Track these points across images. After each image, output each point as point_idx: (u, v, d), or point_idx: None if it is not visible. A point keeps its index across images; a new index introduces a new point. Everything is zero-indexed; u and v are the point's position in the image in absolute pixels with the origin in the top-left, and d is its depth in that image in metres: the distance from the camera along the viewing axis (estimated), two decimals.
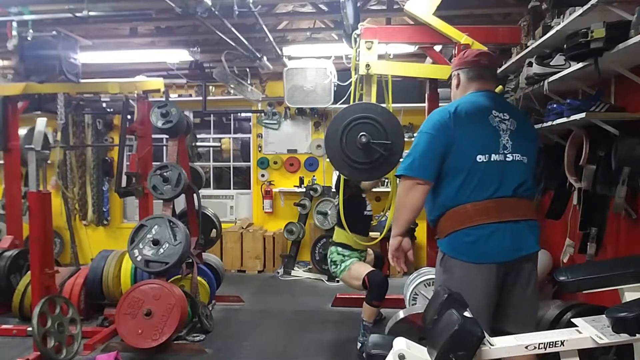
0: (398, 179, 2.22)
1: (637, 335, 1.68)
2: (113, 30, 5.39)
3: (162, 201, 4.11)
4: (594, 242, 2.94)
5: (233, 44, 4.89)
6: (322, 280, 6.00)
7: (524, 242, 2.12)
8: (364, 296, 3.66)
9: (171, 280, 4.01)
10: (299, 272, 6.24)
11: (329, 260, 3.87)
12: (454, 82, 2.36)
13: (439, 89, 4.02)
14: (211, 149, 7.40)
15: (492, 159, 2.09)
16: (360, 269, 3.67)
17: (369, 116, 2.97)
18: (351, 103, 3.28)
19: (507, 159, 2.12)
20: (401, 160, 3.11)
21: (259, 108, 6.81)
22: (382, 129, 2.96)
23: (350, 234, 3.67)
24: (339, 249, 3.80)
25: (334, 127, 3.02)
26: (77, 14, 3.88)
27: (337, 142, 2.99)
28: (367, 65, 3.19)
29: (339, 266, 3.77)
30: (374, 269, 3.69)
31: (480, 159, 2.09)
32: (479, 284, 2.07)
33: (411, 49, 4.65)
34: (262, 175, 6.87)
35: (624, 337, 1.71)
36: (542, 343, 1.78)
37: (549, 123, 3.01)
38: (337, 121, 3.01)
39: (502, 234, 2.07)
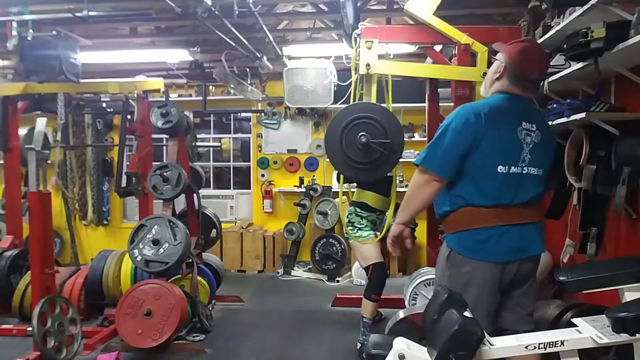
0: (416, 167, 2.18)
1: (637, 335, 1.68)
2: (113, 30, 5.38)
3: (162, 201, 4.11)
4: (594, 242, 2.95)
5: (233, 44, 4.89)
6: (322, 280, 5.99)
7: (531, 244, 2.14)
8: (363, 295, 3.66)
9: (171, 280, 4.01)
10: (299, 272, 6.24)
11: (346, 220, 3.78)
12: (496, 67, 2.20)
13: (439, 89, 4.03)
14: (211, 149, 7.38)
15: (511, 171, 2.09)
16: (371, 252, 3.62)
17: (368, 116, 2.96)
18: (351, 103, 3.27)
19: (524, 172, 2.12)
20: (400, 158, 3.14)
21: (259, 108, 6.81)
22: (382, 128, 2.96)
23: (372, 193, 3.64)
24: (358, 209, 3.72)
25: (333, 129, 3.01)
26: (77, 14, 3.87)
27: (337, 143, 2.98)
28: (368, 65, 3.19)
29: (354, 229, 3.70)
30: (381, 261, 3.64)
31: (500, 169, 2.08)
32: (486, 282, 2.09)
33: (411, 49, 4.65)
34: (262, 175, 6.87)
35: (624, 337, 1.71)
36: (542, 343, 1.79)
37: (549, 123, 3.01)
38: (336, 122, 3.01)
39: (511, 236, 2.09)
